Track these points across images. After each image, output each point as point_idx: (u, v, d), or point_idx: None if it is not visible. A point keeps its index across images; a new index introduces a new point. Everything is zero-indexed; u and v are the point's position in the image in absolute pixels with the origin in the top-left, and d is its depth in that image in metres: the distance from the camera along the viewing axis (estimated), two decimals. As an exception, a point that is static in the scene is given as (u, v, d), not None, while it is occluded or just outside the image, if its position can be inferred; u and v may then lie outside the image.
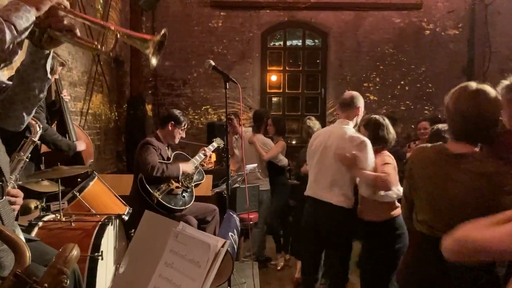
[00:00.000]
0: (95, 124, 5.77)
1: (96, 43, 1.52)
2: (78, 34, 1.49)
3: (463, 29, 7.41)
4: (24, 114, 1.62)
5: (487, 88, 1.94)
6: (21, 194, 1.78)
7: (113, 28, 1.51)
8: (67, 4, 1.46)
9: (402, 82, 7.30)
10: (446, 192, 1.91)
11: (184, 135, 4.24)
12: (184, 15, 7.22)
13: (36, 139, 2.12)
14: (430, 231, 1.97)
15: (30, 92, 1.57)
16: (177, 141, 4.20)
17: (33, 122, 2.12)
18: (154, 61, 1.64)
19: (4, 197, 1.61)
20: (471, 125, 1.90)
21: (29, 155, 2.09)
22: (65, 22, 1.46)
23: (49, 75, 1.57)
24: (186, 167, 4.09)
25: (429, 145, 2.15)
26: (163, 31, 1.59)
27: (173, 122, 4.10)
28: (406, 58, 7.41)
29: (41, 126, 2.20)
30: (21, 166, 1.93)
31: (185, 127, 4.22)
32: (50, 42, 1.48)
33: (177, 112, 4.21)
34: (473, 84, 1.96)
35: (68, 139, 3.76)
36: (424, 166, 2.04)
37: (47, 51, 1.51)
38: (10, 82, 1.62)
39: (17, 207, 1.75)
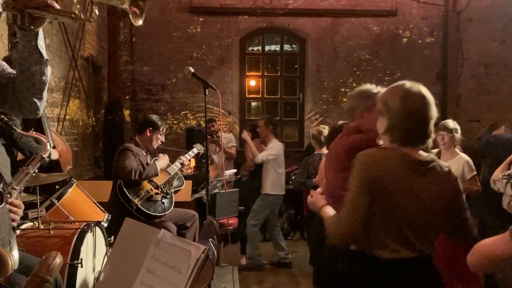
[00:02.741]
0: (73, 130, 5.71)
1: (76, 11, 1.53)
2: (57, 6, 1.52)
3: (437, 36, 7.60)
4: (35, 100, 1.66)
5: (418, 86, 1.88)
6: (22, 206, 1.78)
7: None
8: None
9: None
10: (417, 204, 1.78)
11: (163, 139, 4.24)
12: (163, 20, 7.22)
13: (46, 156, 2.10)
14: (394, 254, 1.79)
15: (32, 77, 1.61)
16: (155, 146, 4.19)
17: (44, 140, 2.12)
18: (140, 21, 1.65)
19: (3, 204, 1.61)
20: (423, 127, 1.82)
21: (36, 170, 2.06)
22: None
23: (45, 56, 1.60)
24: (162, 162, 4.09)
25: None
26: None
27: (151, 128, 4.10)
28: (382, 63, 7.56)
29: (52, 144, 2.18)
30: (27, 179, 1.92)
31: (163, 131, 4.22)
32: (33, 21, 1.50)
33: (154, 117, 4.21)
34: (408, 83, 1.88)
35: None
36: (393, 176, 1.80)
37: (35, 32, 1.54)
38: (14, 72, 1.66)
39: (16, 218, 1.75)
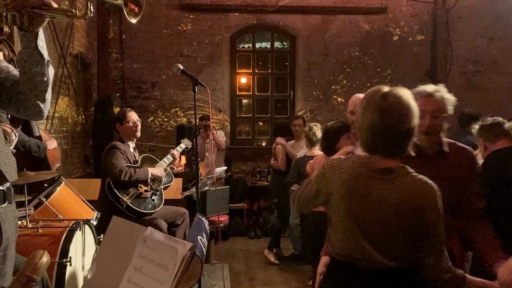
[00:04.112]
0: (62, 127, 5.67)
1: (73, 9, 1.55)
2: (54, 5, 1.53)
3: (426, 33, 7.65)
4: (38, 102, 1.67)
5: (397, 93, 1.74)
6: None
7: None
8: None
9: (368, 84, 7.45)
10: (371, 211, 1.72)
11: (138, 124, 4.11)
12: (153, 17, 7.18)
13: (12, 147, 2.09)
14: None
15: (34, 78, 1.62)
16: (138, 134, 4.10)
17: (9, 130, 2.11)
18: (135, 20, 1.66)
19: (6, 203, 1.59)
20: (380, 137, 1.72)
21: None
22: None
23: (46, 57, 1.60)
24: (155, 170, 4.08)
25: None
26: None
27: (117, 123, 4.10)
28: (372, 61, 7.59)
29: (17, 134, 2.17)
30: None
31: (130, 117, 4.08)
32: (32, 22, 1.51)
33: (118, 111, 4.22)
34: (382, 90, 1.76)
35: None
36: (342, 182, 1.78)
37: (34, 32, 1.55)
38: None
39: None
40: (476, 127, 3.26)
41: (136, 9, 1.65)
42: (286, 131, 5.84)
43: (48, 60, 1.62)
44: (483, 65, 7.61)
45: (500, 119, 3.18)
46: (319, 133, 4.67)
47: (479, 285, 1.76)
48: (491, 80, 7.57)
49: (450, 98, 2.16)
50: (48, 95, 1.70)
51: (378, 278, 1.72)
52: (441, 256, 1.71)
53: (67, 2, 5.35)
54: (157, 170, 4.10)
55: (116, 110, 7.13)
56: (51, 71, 1.66)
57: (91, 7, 1.54)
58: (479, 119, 4.44)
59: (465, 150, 2.25)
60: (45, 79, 1.64)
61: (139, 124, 4.13)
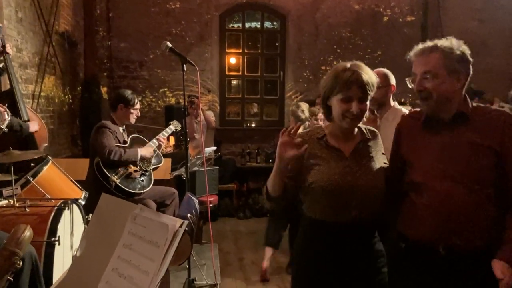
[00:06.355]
0: (48, 107, 5.58)
1: None
2: None
3: (417, 14, 7.61)
4: None
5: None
6: None
7: None
8: None
9: (359, 66, 7.44)
10: None
11: (138, 114, 4.13)
12: (140, -5, 7.05)
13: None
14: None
15: None
16: (133, 121, 4.11)
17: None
18: None
19: None
20: None
21: None
22: None
23: None
24: (144, 151, 4.04)
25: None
26: None
27: (122, 104, 4.03)
28: (362, 42, 7.55)
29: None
30: None
31: (137, 105, 4.11)
32: None
33: (125, 92, 4.13)
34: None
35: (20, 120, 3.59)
36: None
37: None
38: None
39: None
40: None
41: None
42: None
43: None
44: (473, 47, 7.46)
45: None
46: (306, 112, 4.66)
47: None
48: (481, 62, 7.57)
49: (453, 53, 1.84)
50: None
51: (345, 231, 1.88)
52: None
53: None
54: (147, 151, 4.06)
55: (104, 90, 7.03)
56: None
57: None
58: (483, 95, 4.45)
59: (501, 113, 1.85)
60: None
61: (139, 114, 4.17)
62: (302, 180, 1.90)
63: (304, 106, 4.74)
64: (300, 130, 1.84)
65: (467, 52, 1.88)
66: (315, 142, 1.91)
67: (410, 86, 1.93)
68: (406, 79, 1.95)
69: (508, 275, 1.68)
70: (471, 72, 1.89)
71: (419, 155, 1.89)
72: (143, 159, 4.02)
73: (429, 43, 1.87)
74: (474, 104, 1.89)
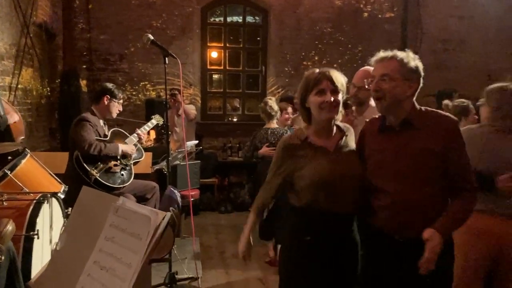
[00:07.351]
0: (26, 100, 5.47)
1: None
2: None
3: (397, 11, 7.69)
4: None
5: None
6: None
7: None
8: None
9: (340, 61, 7.48)
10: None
11: (121, 109, 4.14)
12: (121, -13, 6.94)
13: None
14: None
15: None
16: (115, 115, 4.09)
17: None
18: None
19: None
20: None
21: None
22: None
23: None
24: (126, 147, 4.01)
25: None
26: None
27: (108, 96, 3.99)
28: (344, 37, 7.59)
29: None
30: None
31: (121, 100, 4.11)
32: None
33: (111, 85, 4.10)
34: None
35: None
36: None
37: None
38: None
39: None
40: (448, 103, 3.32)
41: None
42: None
43: None
44: (452, 44, 7.74)
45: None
46: (275, 106, 4.67)
47: None
48: (459, 58, 7.72)
49: (409, 64, 2.00)
50: None
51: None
52: None
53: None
54: (128, 148, 4.03)
55: (83, 83, 6.92)
56: None
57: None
58: (452, 98, 4.55)
59: (445, 118, 2.04)
60: None
61: (121, 109, 4.16)
62: (295, 179, 2.05)
63: (271, 101, 4.69)
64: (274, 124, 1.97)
65: (421, 67, 2.06)
66: (299, 145, 2.06)
67: (366, 87, 2.15)
68: (365, 80, 2.18)
69: (436, 239, 1.86)
70: (421, 85, 2.07)
71: (375, 159, 2.09)
72: (124, 155, 3.99)
73: (389, 52, 2.07)
74: (423, 109, 2.09)
